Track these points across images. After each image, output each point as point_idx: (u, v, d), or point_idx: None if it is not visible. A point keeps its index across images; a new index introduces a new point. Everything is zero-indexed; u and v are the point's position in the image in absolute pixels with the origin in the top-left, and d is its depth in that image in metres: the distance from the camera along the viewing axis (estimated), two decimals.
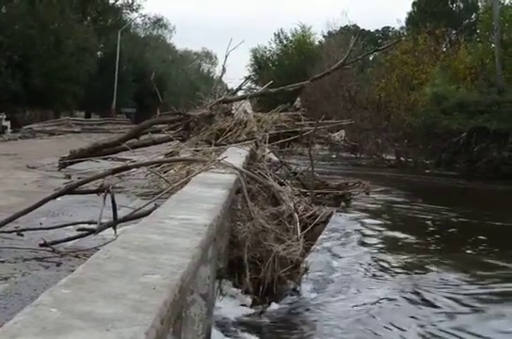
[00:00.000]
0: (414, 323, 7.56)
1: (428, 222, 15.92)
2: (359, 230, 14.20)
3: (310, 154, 11.90)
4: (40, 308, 1.98)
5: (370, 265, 10.69)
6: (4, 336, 1.77)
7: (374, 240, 13.23)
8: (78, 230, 8.22)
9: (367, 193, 16.07)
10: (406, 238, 13.71)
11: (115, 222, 7.58)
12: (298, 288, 7.66)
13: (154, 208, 5.85)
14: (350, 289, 8.84)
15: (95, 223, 7.69)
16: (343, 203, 14.74)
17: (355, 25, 70.18)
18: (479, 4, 61.27)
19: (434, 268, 10.59)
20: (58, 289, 2.17)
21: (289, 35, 71.57)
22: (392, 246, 12.88)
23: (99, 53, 65.39)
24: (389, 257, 11.46)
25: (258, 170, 9.22)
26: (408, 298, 8.60)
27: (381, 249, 12.44)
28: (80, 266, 2.53)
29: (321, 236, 9.20)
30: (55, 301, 2.04)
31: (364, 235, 13.59)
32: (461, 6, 65.93)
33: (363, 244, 12.64)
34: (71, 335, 1.81)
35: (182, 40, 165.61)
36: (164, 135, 15.31)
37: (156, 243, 3.12)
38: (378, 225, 15.20)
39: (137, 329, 1.90)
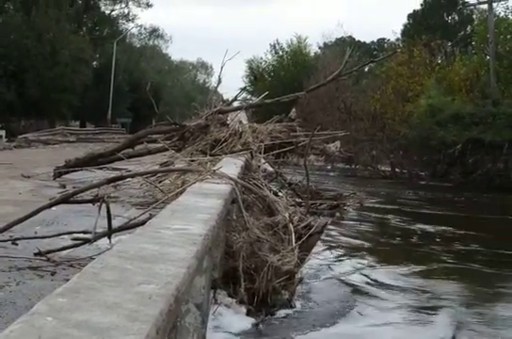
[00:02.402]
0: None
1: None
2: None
3: (305, 165, 11.90)
4: (36, 317, 1.98)
5: None
6: None
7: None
8: (73, 239, 8.21)
9: (361, 204, 16.09)
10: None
11: (110, 232, 7.58)
12: (293, 299, 7.64)
13: (149, 218, 5.85)
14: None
15: (90, 233, 7.69)
16: (337, 214, 14.76)
17: (350, 37, 70.35)
18: (474, 16, 61.54)
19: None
20: (54, 298, 2.17)
21: (285, 46, 71.72)
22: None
23: (94, 63, 65.54)
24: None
25: (253, 181, 9.22)
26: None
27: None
28: (76, 275, 2.53)
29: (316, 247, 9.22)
30: (50, 310, 2.04)
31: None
32: (456, 18, 66.22)
33: None
34: None
35: (177, 51, 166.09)
36: (159, 145, 15.34)
37: (152, 253, 3.12)
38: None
39: (133, 338, 1.90)
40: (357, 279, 10.27)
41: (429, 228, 16.64)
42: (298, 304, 7.73)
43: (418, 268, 11.53)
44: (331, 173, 35.37)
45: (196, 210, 4.96)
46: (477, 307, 9.04)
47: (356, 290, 9.44)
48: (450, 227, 16.74)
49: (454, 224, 17.33)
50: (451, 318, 8.25)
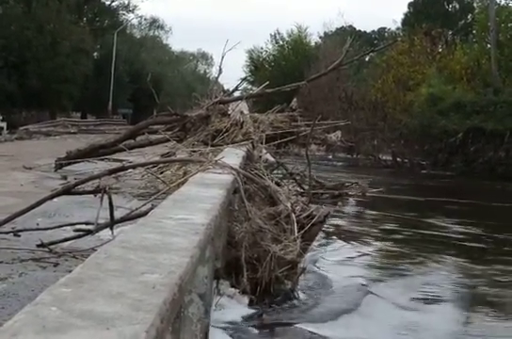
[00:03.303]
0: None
1: None
2: None
3: (307, 155, 11.91)
4: (40, 307, 1.98)
5: None
6: (4, 335, 1.77)
7: None
8: (75, 230, 8.21)
9: (363, 194, 16.05)
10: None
11: (112, 223, 7.59)
12: (295, 288, 7.64)
13: (151, 209, 5.85)
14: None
15: (92, 224, 7.68)
16: (339, 203, 14.76)
17: (351, 26, 70.28)
18: (475, 4, 61.40)
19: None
20: (58, 288, 2.17)
21: (285, 35, 71.61)
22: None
23: (95, 54, 65.51)
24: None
25: (255, 171, 9.21)
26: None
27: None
28: (79, 265, 2.53)
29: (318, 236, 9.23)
30: (54, 300, 2.04)
31: None
32: (457, 6, 66.10)
33: None
34: (71, 334, 1.81)
35: (178, 41, 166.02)
36: (160, 135, 15.33)
37: (155, 242, 3.12)
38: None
39: (138, 327, 1.90)
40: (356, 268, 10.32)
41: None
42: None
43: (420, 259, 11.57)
44: (339, 163, 35.48)
45: (198, 200, 4.96)
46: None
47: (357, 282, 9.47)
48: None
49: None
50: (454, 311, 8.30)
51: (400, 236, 13.63)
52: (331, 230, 13.14)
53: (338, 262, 10.53)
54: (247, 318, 6.65)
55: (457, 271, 10.58)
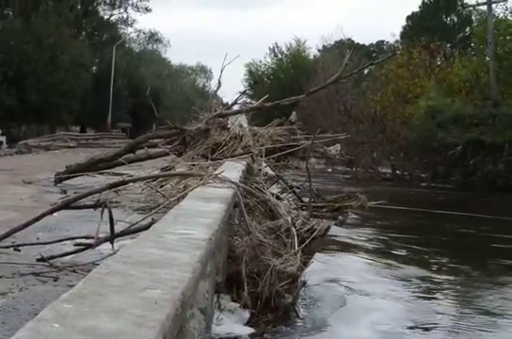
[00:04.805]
0: None
1: None
2: None
3: (307, 168, 11.88)
4: (42, 323, 1.97)
5: None
6: None
7: None
8: (75, 245, 8.20)
9: (364, 207, 16.00)
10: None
11: (112, 237, 7.57)
12: (296, 302, 7.62)
13: (151, 222, 5.84)
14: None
15: (92, 238, 7.67)
16: (340, 217, 14.72)
17: (350, 39, 70.36)
18: (473, 17, 61.63)
19: None
20: (60, 304, 2.17)
21: (284, 49, 71.80)
22: None
23: (94, 68, 65.63)
24: None
25: (255, 184, 9.19)
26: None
27: None
28: (81, 280, 2.52)
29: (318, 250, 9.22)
30: (57, 316, 2.03)
31: None
32: (455, 19, 66.23)
33: None
34: None
35: (177, 55, 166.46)
36: (160, 149, 15.31)
37: (156, 257, 3.11)
38: None
39: None
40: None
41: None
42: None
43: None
44: (339, 176, 35.42)
45: (198, 214, 4.96)
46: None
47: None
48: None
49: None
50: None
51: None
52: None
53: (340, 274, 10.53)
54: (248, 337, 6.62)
55: None
